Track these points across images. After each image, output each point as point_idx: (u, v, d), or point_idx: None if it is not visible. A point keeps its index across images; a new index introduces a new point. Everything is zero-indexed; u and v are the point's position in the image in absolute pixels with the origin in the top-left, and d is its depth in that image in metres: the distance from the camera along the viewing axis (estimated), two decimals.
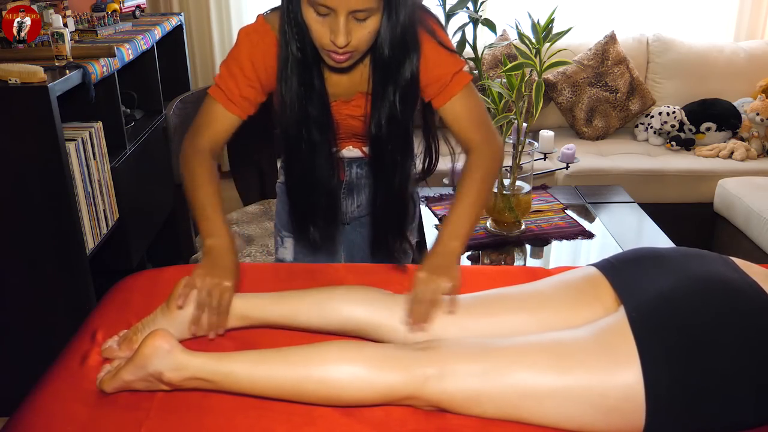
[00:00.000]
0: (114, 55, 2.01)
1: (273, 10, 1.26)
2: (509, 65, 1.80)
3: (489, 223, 2.10)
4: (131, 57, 2.17)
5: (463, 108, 1.29)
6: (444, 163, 1.58)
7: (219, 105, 1.27)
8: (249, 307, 1.19)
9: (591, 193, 2.44)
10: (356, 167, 1.49)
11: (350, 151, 1.45)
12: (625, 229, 2.17)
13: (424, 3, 1.28)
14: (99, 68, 1.91)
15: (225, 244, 1.20)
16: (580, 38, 3.28)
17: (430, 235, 2.10)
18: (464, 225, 1.24)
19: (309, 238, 1.42)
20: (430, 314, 1.13)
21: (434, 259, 1.20)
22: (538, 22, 1.79)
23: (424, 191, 2.40)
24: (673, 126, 3.15)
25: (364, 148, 1.43)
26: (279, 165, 1.54)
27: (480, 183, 1.27)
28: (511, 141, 1.97)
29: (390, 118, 1.25)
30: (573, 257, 2.01)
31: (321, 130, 1.28)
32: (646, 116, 3.27)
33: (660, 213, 2.40)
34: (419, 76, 1.23)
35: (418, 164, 1.44)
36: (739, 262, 1.12)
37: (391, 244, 1.42)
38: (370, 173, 1.45)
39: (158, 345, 1.03)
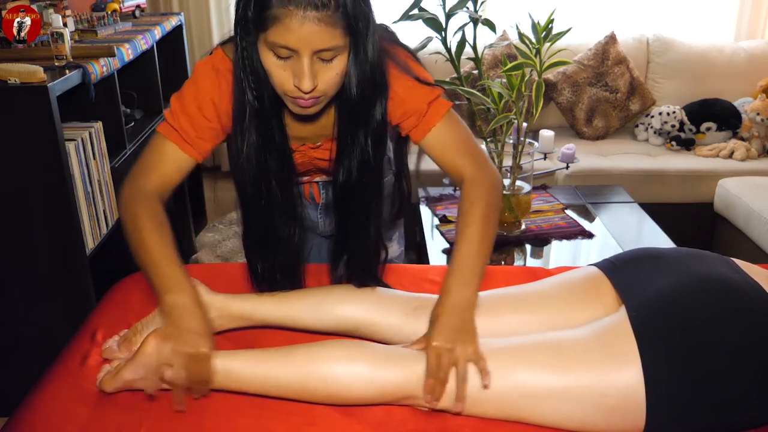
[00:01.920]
0: (114, 55, 2.00)
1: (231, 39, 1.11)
2: (509, 65, 1.80)
3: None
4: (131, 57, 2.17)
5: (446, 137, 1.15)
6: None
7: (172, 144, 1.12)
8: (248, 307, 1.19)
9: (591, 193, 2.44)
10: (331, 188, 1.38)
11: (322, 178, 1.37)
12: (625, 229, 2.17)
13: (393, 31, 1.16)
14: (99, 68, 1.91)
15: (189, 300, 1.03)
16: (580, 38, 3.28)
17: (430, 236, 2.10)
18: (474, 268, 1.08)
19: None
20: (443, 391, 1.01)
21: (446, 319, 1.04)
22: (538, 23, 1.79)
23: (424, 191, 2.40)
24: (673, 126, 3.15)
25: None
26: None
27: (483, 217, 1.10)
28: (511, 141, 1.97)
29: (362, 164, 1.13)
30: (573, 257, 2.01)
31: (281, 186, 1.16)
32: (646, 116, 3.27)
33: (660, 213, 2.40)
34: (388, 115, 1.12)
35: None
36: (740, 262, 1.12)
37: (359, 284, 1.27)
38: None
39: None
